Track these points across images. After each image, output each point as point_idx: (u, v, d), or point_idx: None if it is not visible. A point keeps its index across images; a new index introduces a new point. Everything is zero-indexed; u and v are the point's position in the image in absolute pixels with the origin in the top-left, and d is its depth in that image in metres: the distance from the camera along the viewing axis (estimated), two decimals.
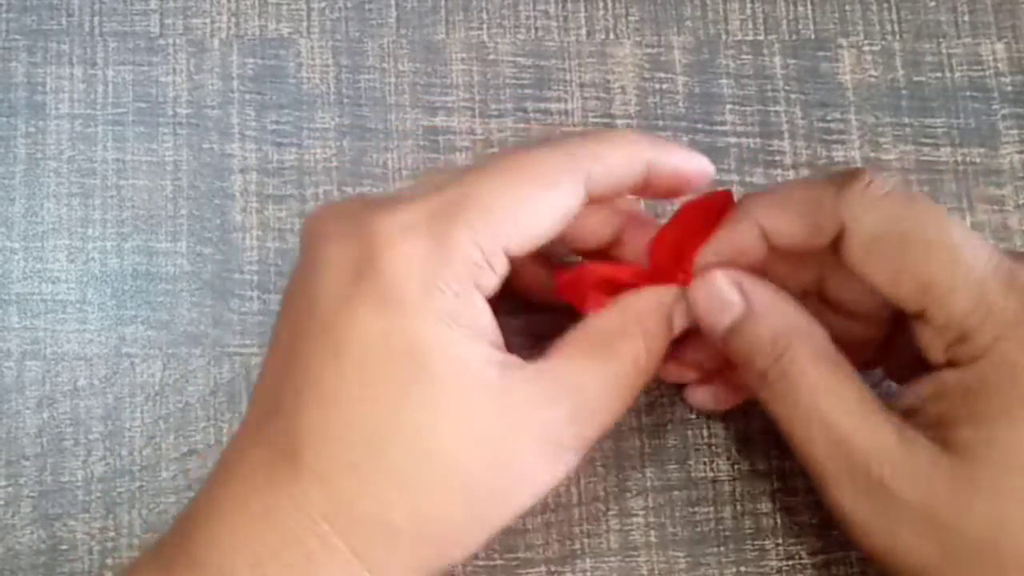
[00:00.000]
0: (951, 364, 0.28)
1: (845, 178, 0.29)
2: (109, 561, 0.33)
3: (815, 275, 0.32)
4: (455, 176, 0.28)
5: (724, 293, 0.30)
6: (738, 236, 0.30)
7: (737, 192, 0.37)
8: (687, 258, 0.30)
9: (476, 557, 0.34)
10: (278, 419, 0.27)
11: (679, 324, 0.30)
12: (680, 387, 0.35)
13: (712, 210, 0.30)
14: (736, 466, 0.35)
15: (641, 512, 0.34)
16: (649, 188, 0.30)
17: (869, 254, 0.28)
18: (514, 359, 0.28)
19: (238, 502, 0.27)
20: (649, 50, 0.38)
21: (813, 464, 0.29)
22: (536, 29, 0.38)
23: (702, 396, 0.34)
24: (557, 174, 0.28)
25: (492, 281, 0.27)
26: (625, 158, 0.29)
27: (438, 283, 0.26)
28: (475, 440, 0.26)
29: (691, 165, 0.30)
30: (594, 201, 0.29)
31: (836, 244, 0.29)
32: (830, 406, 0.28)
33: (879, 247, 0.28)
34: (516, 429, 0.27)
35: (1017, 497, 0.27)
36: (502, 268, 0.27)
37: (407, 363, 0.26)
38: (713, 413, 0.35)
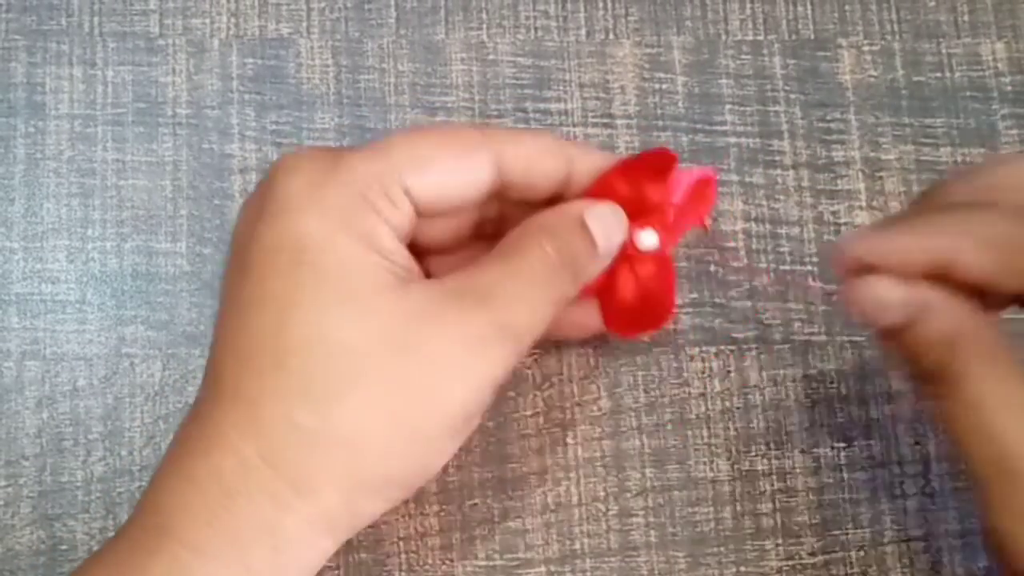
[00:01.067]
0: None
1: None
2: None
3: None
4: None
5: (892, 289, 0.27)
6: (900, 261, 0.28)
7: (739, 191, 0.37)
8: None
9: (476, 557, 0.34)
10: (209, 356, 0.28)
11: (595, 229, 0.30)
12: (680, 387, 0.35)
13: (656, 169, 0.31)
14: (736, 466, 0.35)
15: (641, 512, 0.34)
16: (570, 193, 0.30)
17: (1005, 268, 0.27)
18: (419, 276, 0.28)
19: (177, 447, 0.27)
20: (649, 50, 0.38)
21: (974, 468, 0.27)
22: (536, 29, 0.38)
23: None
24: (466, 140, 0.29)
25: (395, 215, 0.28)
26: (544, 148, 0.30)
27: (325, 190, 0.27)
28: (370, 331, 0.26)
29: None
30: (512, 189, 0.30)
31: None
32: (994, 407, 0.27)
33: (998, 257, 0.27)
34: (419, 321, 0.27)
35: None
36: (403, 203, 0.28)
37: (296, 262, 0.27)
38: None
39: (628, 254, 0.31)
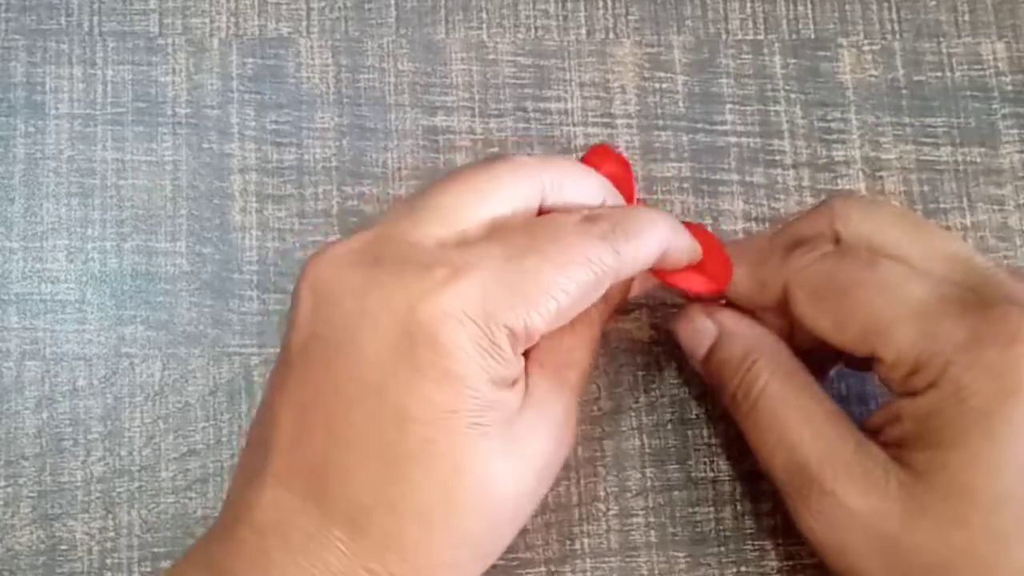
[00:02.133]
0: (909, 394, 0.28)
1: (792, 243, 0.31)
2: (108, 561, 0.33)
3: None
4: (474, 215, 0.29)
5: (699, 321, 0.32)
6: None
7: (739, 191, 0.37)
8: None
9: None
10: (329, 482, 0.27)
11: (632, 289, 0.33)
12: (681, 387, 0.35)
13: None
14: (736, 466, 0.35)
15: (641, 512, 0.34)
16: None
17: (812, 308, 0.30)
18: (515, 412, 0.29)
19: (288, 566, 0.26)
20: (649, 49, 0.38)
21: (777, 480, 0.30)
22: (536, 28, 0.38)
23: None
24: (603, 273, 0.28)
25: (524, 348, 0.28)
26: (649, 243, 0.30)
27: (491, 351, 0.27)
28: (518, 479, 0.28)
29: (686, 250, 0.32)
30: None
31: (786, 305, 0.31)
32: (789, 417, 0.30)
33: (820, 301, 0.30)
34: (529, 463, 0.28)
35: (964, 524, 0.27)
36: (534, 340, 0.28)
37: (473, 426, 0.27)
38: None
39: None
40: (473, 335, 0.27)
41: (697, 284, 0.32)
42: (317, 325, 0.27)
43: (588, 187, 0.31)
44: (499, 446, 0.27)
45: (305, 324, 0.28)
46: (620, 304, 0.32)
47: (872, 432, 0.30)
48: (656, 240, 0.30)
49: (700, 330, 0.32)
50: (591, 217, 0.30)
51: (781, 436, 0.30)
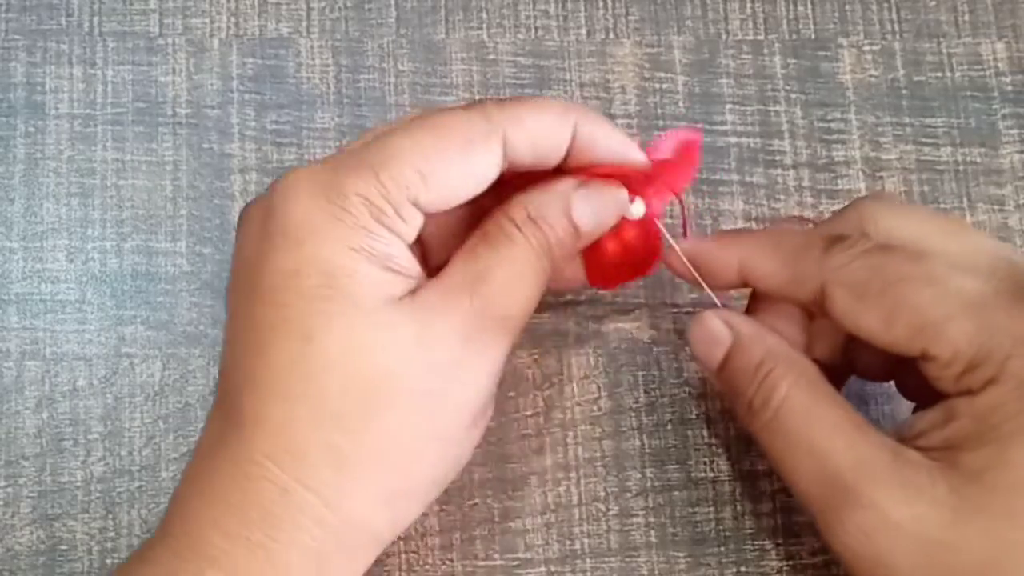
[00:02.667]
0: (963, 393, 0.27)
1: (831, 239, 0.29)
2: (109, 561, 0.33)
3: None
4: (378, 133, 0.29)
5: (714, 327, 0.31)
6: (716, 264, 0.31)
7: (739, 191, 0.37)
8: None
9: (476, 557, 0.34)
10: (222, 381, 0.28)
11: (584, 219, 0.30)
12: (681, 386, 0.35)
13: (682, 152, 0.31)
14: (736, 466, 0.35)
15: (641, 512, 0.34)
16: (573, 160, 0.30)
17: (854, 307, 0.28)
18: (420, 282, 0.28)
19: (200, 469, 0.27)
20: (649, 50, 0.38)
21: (805, 495, 0.28)
22: (536, 29, 0.38)
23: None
24: (471, 134, 0.28)
25: (403, 229, 0.28)
26: (549, 124, 0.29)
27: (341, 217, 0.27)
28: (394, 349, 0.27)
29: (624, 153, 0.30)
30: (515, 167, 0.29)
31: (822, 303, 0.29)
32: (815, 427, 0.28)
33: (863, 299, 0.28)
34: (428, 331, 0.27)
35: (1022, 519, 0.26)
36: (413, 218, 0.28)
37: (320, 288, 0.26)
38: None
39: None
40: (317, 202, 0.27)
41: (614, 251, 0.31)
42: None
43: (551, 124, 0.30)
44: (368, 317, 0.27)
45: None
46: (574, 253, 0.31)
47: (909, 439, 0.28)
48: (548, 114, 0.29)
49: (715, 337, 0.31)
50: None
51: (810, 447, 0.28)
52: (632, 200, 0.31)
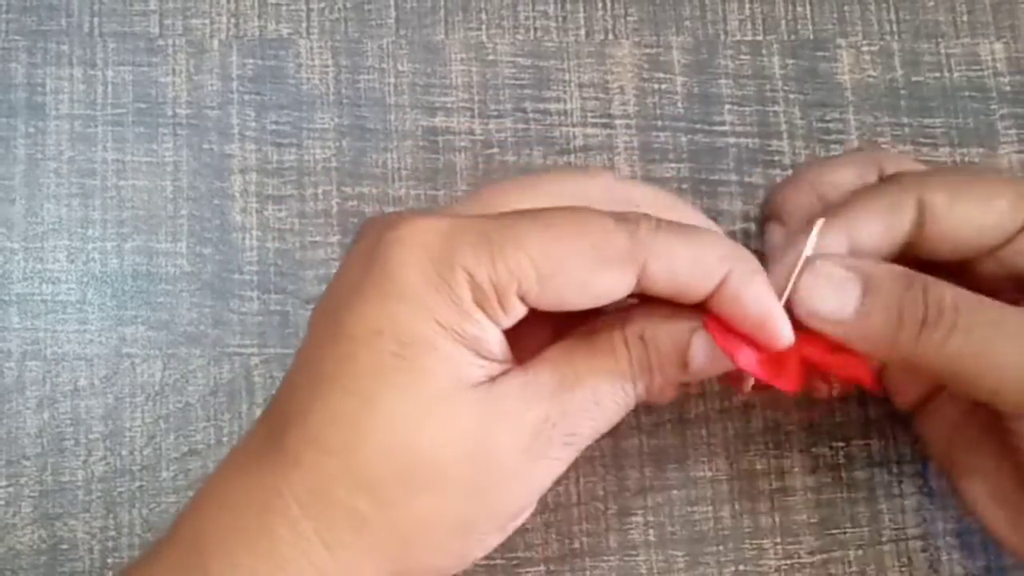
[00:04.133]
0: None
1: (892, 176, 0.30)
2: (110, 561, 0.33)
3: None
4: (501, 193, 0.28)
5: (835, 273, 0.28)
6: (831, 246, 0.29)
7: (738, 191, 0.37)
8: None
9: None
10: (276, 403, 0.27)
11: (698, 362, 0.28)
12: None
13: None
14: (735, 465, 0.35)
15: (640, 511, 0.35)
16: (709, 304, 0.27)
17: (955, 200, 0.29)
18: (506, 368, 0.27)
19: (226, 482, 0.27)
20: (648, 50, 0.38)
21: (1016, 389, 0.26)
22: (535, 29, 0.38)
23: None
24: (609, 251, 0.26)
25: (502, 317, 0.26)
26: (699, 267, 0.26)
27: (440, 289, 0.26)
28: (451, 436, 0.26)
29: (767, 322, 0.27)
30: (644, 292, 0.27)
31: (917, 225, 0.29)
32: (1007, 310, 0.27)
33: (962, 191, 0.29)
34: (494, 426, 0.26)
35: None
36: (516, 310, 0.26)
37: (396, 353, 0.26)
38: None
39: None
40: (422, 265, 0.25)
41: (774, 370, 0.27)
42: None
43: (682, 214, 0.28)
44: (434, 396, 0.26)
45: None
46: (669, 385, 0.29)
47: None
48: (704, 256, 0.26)
49: (840, 280, 0.28)
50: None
51: (1016, 328, 0.26)
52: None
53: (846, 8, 0.39)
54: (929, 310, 0.27)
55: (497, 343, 0.27)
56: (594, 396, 0.27)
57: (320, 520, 0.26)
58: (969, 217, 0.29)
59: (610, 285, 0.26)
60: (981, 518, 0.31)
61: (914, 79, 0.39)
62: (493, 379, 0.26)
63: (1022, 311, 0.27)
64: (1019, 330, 0.27)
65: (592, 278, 0.26)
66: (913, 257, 0.30)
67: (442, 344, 0.26)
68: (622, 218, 0.26)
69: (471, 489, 0.26)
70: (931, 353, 0.27)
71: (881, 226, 0.29)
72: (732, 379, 0.29)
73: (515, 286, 0.26)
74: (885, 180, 0.31)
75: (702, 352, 0.27)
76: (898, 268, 0.28)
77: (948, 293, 0.27)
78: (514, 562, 0.34)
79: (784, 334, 0.27)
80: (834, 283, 0.28)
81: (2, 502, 0.33)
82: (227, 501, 0.27)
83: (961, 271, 0.30)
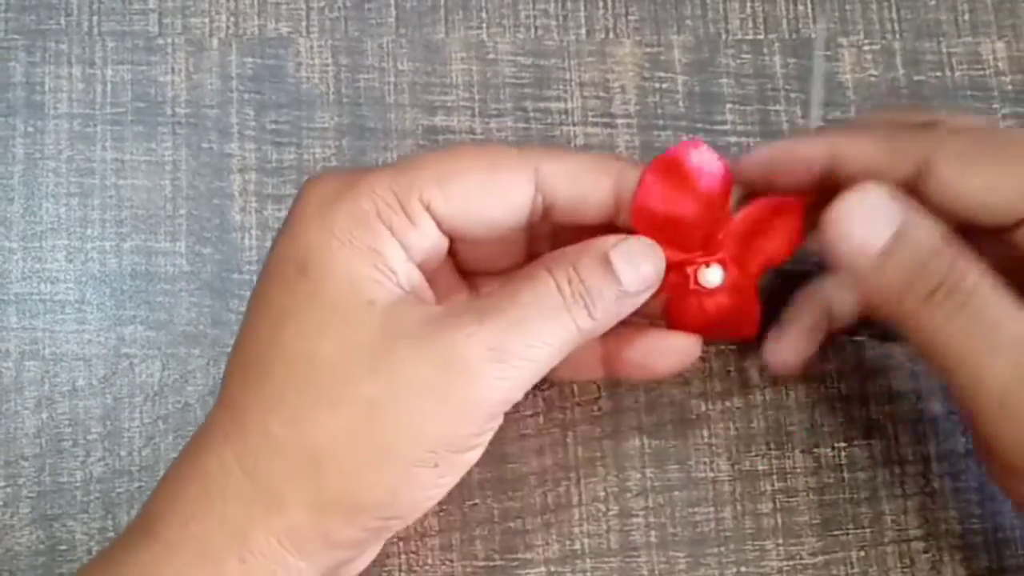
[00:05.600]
0: None
1: (927, 121, 0.29)
2: None
3: None
4: None
5: (883, 201, 0.26)
6: (802, 156, 0.28)
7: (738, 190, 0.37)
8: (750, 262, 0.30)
9: (476, 557, 0.34)
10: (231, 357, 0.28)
11: (626, 273, 0.27)
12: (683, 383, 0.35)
13: (782, 215, 0.30)
14: (736, 466, 0.35)
15: (641, 512, 0.34)
16: (622, 213, 0.28)
17: (961, 171, 0.27)
18: (414, 296, 0.27)
19: (185, 448, 0.28)
20: (649, 49, 0.38)
21: (1007, 382, 0.26)
22: (536, 28, 0.38)
23: (785, 349, 0.32)
24: (497, 157, 0.28)
25: (411, 233, 0.27)
26: (587, 164, 0.28)
27: (338, 204, 0.27)
28: (353, 349, 0.26)
29: None
30: (558, 211, 0.28)
31: (922, 177, 0.27)
32: (1013, 309, 0.26)
33: (970, 163, 0.27)
34: (402, 340, 0.26)
35: None
36: (426, 225, 0.27)
37: (297, 273, 0.26)
38: (788, 375, 0.34)
39: (693, 288, 0.30)
40: (323, 194, 0.27)
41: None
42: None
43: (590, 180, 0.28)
44: (330, 311, 0.26)
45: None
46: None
47: None
48: (587, 157, 0.28)
49: (883, 210, 0.26)
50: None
51: (1017, 327, 0.25)
52: (708, 265, 0.29)
53: (847, 7, 0.39)
54: (948, 280, 0.26)
55: (402, 263, 0.27)
56: (523, 321, 0.26)
57: (241, 450, 0.26)
58: (972, 192, 0.27)
59: (510, 185, 0.27)
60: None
61: (916, 78, 0.38)
62: (401, 303, 0.26)
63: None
64: (1011, 346, 0.26)
65: (490, 179, 0.27)
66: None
67: (338, 256, 0.26)
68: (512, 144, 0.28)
69: (374, 405, 0.25)
70: (924, 323, 0.26)
71: (873, 167, 0.28)
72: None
73: (416, 193, 0.27)
74: (911, 124, 0.29)
75: (624, 259, 0.27)
76: (940, 226, 0.27)
77: (972, 276, 0.26)
78: (514, 563, 0.34)
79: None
80: (873, 213, 0.26)
81: (0, 503, 0.33)
82: (176, 460, 0.27)
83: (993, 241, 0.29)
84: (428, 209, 0.27)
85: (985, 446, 0.28)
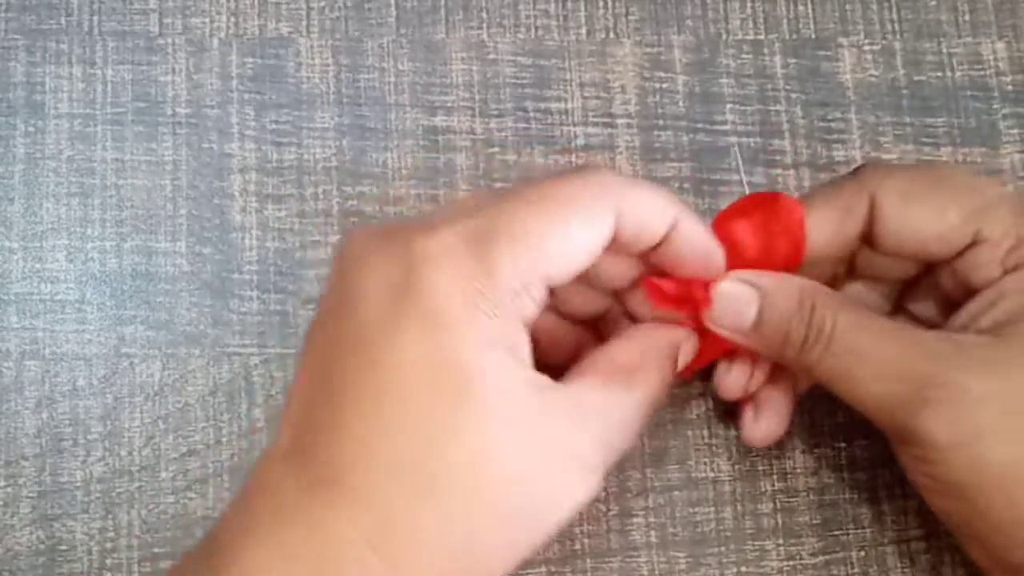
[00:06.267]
0: (1011, 270, 0.29)
1: (857, 169, 0.31)
2: (108, 562, 0.33)
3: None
4: (492, 200, 0.28)
5: (738, 290, 0.30)
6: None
7: (739, 191, 0.37)
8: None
9: None
10: (315, 442, 0.26)
11: (683, 361, 0.31)
12: (682, 386, 0.35)
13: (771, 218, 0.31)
14: (736, 466, 0.35)
15: (642, 512, 0.34)
16: (662, 252, 0.30)
17: (905, 205, 0.30)
18: (547, 380, 0.27)
19: (272, 527, 0.26)
20: (649, 49, 0.38)
21: (879, 404, 0.29)
22: (536, 28, 0.38)
23: (765, 426, 0.33)
24: (592, 204, 0.27)
25: (531, 310, 0.27)
26: (655, 205, 0.29)
27: (481, 307, 0.26)
28: (514, 463, 0.26)
29: (709, 250, 0.30)
30: (617, 246, 0.29)
31: (871, 221, 0.30)
32: (876, 336, 0.29)
33: (915, 196, 0.30)
34: (551, 452, 0.27)
35: None
36: (540, 296, 0.27)
37: (450, 384, 0.26)
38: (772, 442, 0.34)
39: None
40: (458, 283, 0.26)
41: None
42: (330, 292, 0.28)
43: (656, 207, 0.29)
44: (497, 425, 0.26)
45: (324, 295, 0.28)
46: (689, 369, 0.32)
47: (958, 331, 0.30)
48: (659, 195, 0.29)
49: (742, 297, 0.30)
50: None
51: (877, 354, 0.28)
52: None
53: (848, 7, 0.39)
54: (810, 331, 0.29)
55: (526, 343, 0.27)
56: (627, 424, 0.28)
57: (391, 555, 0.25)
58: (918, 225, 0.30)
59: (600, 230, 0.28)
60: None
61: (916, 78, 0.38)
62: (541, 399, 0.27)
63: (897, 341, 0.29)
64: (880, 363, 0.28)
65: (587, 228, 0.27)
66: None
67: (492, 362, 0.26)
68: (583, 175, 0.28)
69: (527, 514, 0.27)
70: (810, 367, 0.30)
71: (834, 223, 0.31)
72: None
73: (540, 274, 0.27)
74: (848, 174, 0.32)
75: (685, 353, 0.31)
76: (795, 286, 0.30)
77: (830, 317, 0.29)
78: None
79: (719, 264, 0.30)
80: (735, 298, 0.30)
81: (0, 503, 0.33)
82: (278, 545, 0.26)
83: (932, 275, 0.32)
84: (547, 283, 0.27)
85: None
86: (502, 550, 0.27)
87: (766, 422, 0.33)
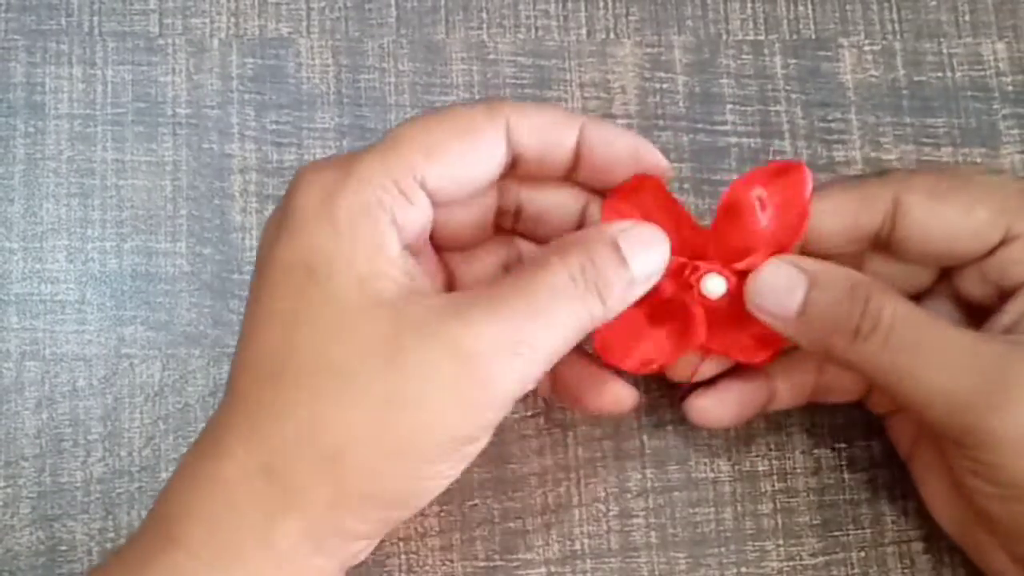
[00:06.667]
0: None
1: (883, 171, 0.31)
2: None
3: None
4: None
5: (786, 272, 0.29)
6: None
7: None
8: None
9: (476, 557, 0.34)
10: (233, 362, 0.28)
11: (632, 250, 0.28)
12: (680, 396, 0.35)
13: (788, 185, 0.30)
14: (737, 467, 0.35)
15: (642, 513, 0.34)
16: (582, 167, 0.29)
17: (931, 204, 0.29)
18: (432, 280, 0.28)
19: (190, 453, 0.27)
20: (649, 50, 0.38)
21: (941, 407, 0.27)
22: (536, 29, 0.38)
23: (705, 403, 0.32)
24: (474, 119, 0.28)
25: (411, 212, 0.27)
26: (549, 116, 0.29)
27: (335, 200, 0.27)
28: (366, 346, 0.26)
29: (630, 144, 0.29)
30: (525, 165, 0.29)
31: (892, 219, 0.29)
32: (940, 335, 0.28)
33: (942, 195, 0.29)
34: (414, 334, 0.26)
35: None
36: (421, 202, 0.27)
37: (303, 277, 0.26)
38: (711, 427, 0.34)
39: (698, 299, 0.30)
40: (316, 190, 0.27)
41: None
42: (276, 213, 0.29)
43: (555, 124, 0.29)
44: (342, 311, 0.26)
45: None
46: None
47: (1006, 331, 0.29)
48: (553, 109, 0.29)
49: (788, 281, 0.29)
50: None
51: (942, 354, 0.27)
52: (706, 273, 0.30)
53: (848, 8, 0.39)
54: (864, 321, 0.28)
55: (400, 250, 0.27)
56: (536, 310, 0.26)
57: (261, 454, 0.26)
58: (946, 223, 0.29)
59: (487, 145, 0.28)
60: (932, 511, 0.32)
61: (916, 79, 0.38)
62: (409, 295, 0.27)
63: (960, 336, 0.28)
64: (945, 358, 0.27)
65: (470, 142, 0.28)
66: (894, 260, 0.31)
67: (344, 255, 0.26)
68: (477, 101, 0.29)
69: (389, 399, 0.25)
70: (862, 360, 0.28)
71: (849, 216, 0.30)
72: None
73: (411, 172, 0.27)
74: (872, 173, 0.31)
75: (634, 246, 0.28)
76: (847, 272, 0.29)
77: (888, 307, 0.28)
78: (515, 564, 0.34)
79: (659, 156, 0.29)
80: (781, 280, 0.29)
81: (0, 503, 0.33)
82: (186, 464, 0.27)
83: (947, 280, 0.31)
84: (423, 186, 0.27)
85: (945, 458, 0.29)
86: (369, 438, 0.25)
87: (714, 401, 0.32)
